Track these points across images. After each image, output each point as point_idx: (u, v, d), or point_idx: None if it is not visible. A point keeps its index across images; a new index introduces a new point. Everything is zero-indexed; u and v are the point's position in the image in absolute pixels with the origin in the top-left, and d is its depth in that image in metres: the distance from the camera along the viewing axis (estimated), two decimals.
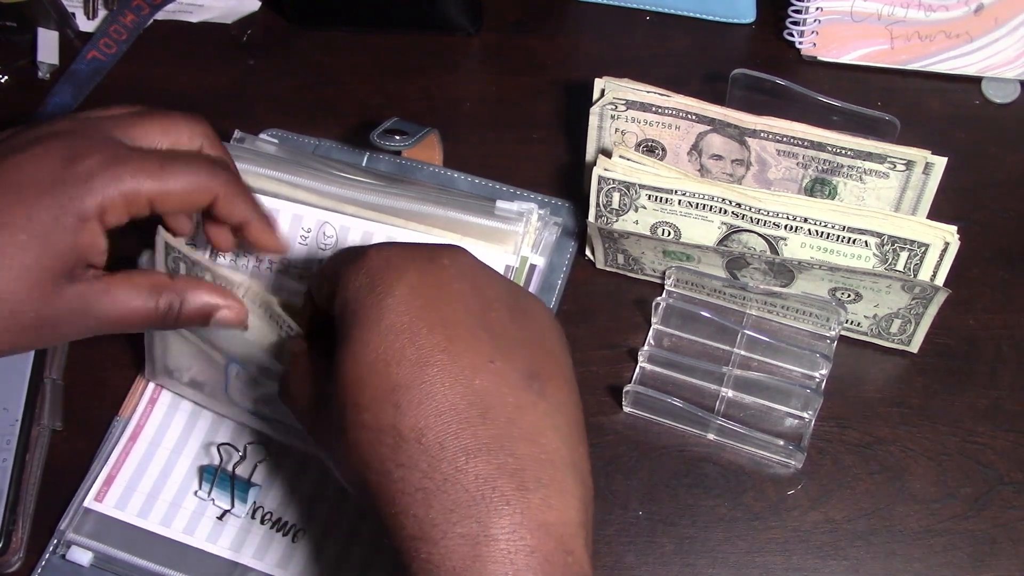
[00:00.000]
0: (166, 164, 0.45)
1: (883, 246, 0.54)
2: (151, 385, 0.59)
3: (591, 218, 0.58)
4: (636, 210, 0.57)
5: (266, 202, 0.58)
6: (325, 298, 0.44)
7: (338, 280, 0.42)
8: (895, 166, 0.55)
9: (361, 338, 0.39)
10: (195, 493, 0.56)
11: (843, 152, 0.56)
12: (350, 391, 0.39)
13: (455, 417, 0.38)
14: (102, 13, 0.75)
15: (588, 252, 0.62)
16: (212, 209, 0.47)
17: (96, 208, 0.43)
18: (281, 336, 0.48)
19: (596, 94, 0.59)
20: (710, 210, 0.56)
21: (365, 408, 0.38)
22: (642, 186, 0.56)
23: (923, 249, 0.53)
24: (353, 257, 0.42)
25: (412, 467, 0.37)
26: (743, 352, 0.58)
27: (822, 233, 0.54)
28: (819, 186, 0.58)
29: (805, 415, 0.56)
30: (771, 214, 0.54)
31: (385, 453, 0.38)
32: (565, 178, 0.65)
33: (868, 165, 0.56)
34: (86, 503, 0.56)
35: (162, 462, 0.57)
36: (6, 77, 0.74)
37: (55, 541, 0.55)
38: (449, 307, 0.40)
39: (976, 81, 0.67)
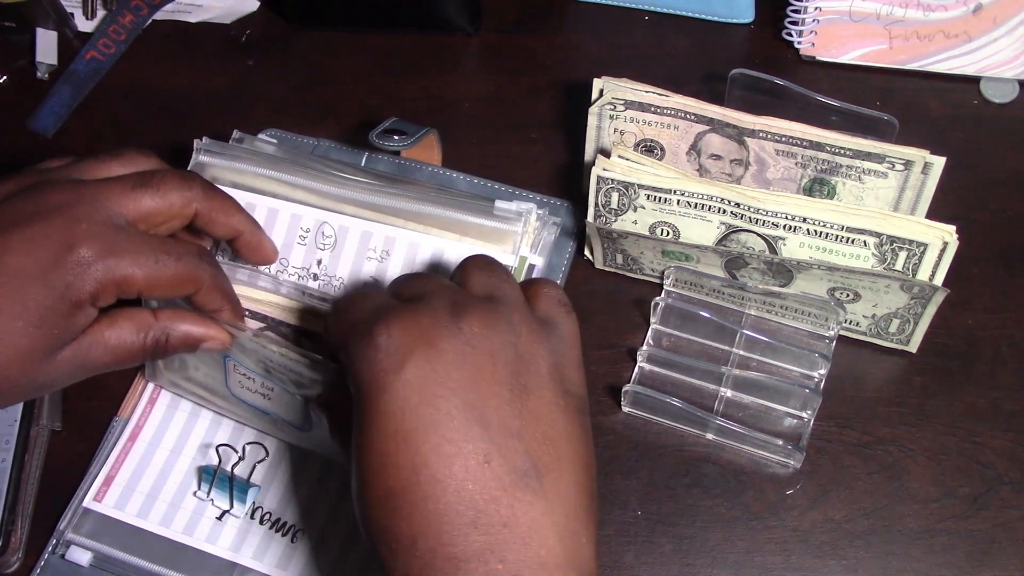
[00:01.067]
0: (160, 258, 0.47)
1: (882, 246, 0.54)
2: (150, 385, 0.59)
3: (590, 218, 0.58)
4: (635, 210, 0.57)
5: (265, 202, 0.58)
6: (336, 350, 0.45)
7: (348, 359, 0.43)
8: (894, 166, 0.56)
9: (363, 441, 0.41)
10: (194, 494, 0.56)
11: (842, 152, 0.56)
12: (359, 487, 0.41)
13: (447, 525, 0.38)
14: (101, 13, 0.76)
15: (587, 252, 0.62)
16: (192, 298, 0.50)
17: (89, 295, 0.45)
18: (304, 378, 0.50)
19: (595, 94, 0.59)
20: (709, 210, 0.56)
21: (371, 506, 0.40)
22: (641, 186, 0.56)
23: (922, 249, 0.53)
24: (361, 333, 0.42)
25: (406, 572, 0.39)
26: (742, 352, 0.58)
27: (821, 233, 0.54)
28: (818, 186, 0.58)
29: (804, 415, 0.56)
30: (770, 214, 0.54)
31: (384, 552, 0.40)
32: (564, 178, 0.65)
33: (867, 165, 0.56)
34: (85, 503, 0.56)
35: (161, 462, 0.57)
36: (5, 77, 0.74)
37: (54, 541, 0.55)
38: (446, 403, 0.40)
39: (975, 81, 0.67)
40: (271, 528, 0.55)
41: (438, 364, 0.40)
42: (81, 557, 0.54)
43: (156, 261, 0.47)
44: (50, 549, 0.55)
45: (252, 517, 0.55)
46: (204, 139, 0.60)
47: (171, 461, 0.57)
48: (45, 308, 0.44)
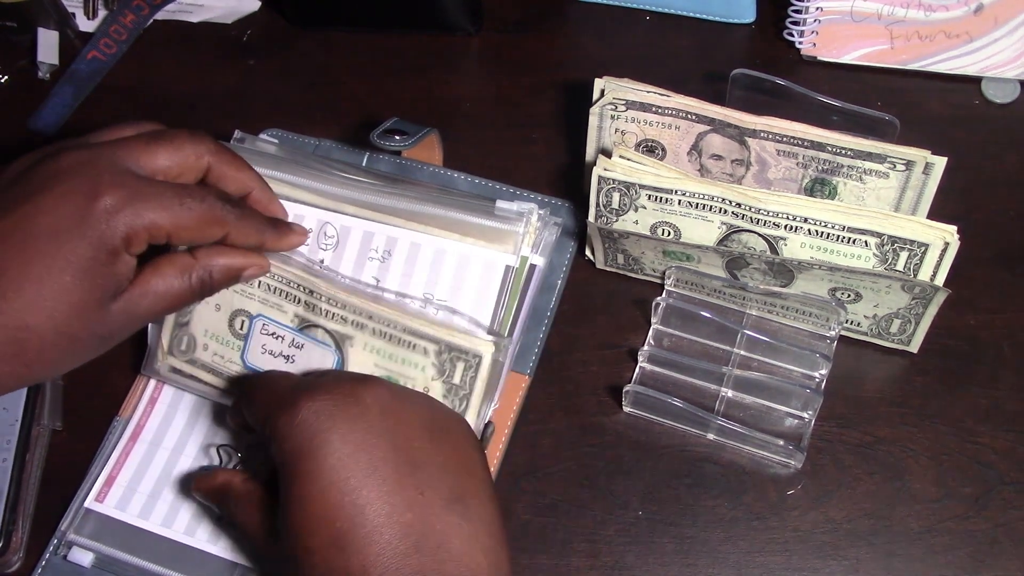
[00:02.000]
0: (183, 198, 0.48)
1: (883, 246, 0.54)
2: (151, 385, 0.59)
3: (591, 218, 0.58)
4: (636, 210, 0.57)
5: None
6: (256, 427, 0.49)
7: (274, 432, 0.46)
8: (895, 166, 0.55)
9: (303, 494, 0.45)
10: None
11: (843, 152, 0.56)
12: (300, 538, 0.44)
13: (393, 552, 0.43)
14: (102, 13, 0.75)
15: (588, 252, 0.62)
16: (225, 240, 0.51)
17: (123, 241, 0.47)
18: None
19: (596, 94, 0.59)
20: (710, 210, 0.56)
21: (314, 552, 0.44)
22: (642, 186, 0.56)
23: (923, 249, 0.53)
24: (285, 407, 0.46)
25: None
26: (743, 352, 0.58)
27: (822, 233, 0.54)
28: (819, 186, 0.58)
29: (805, 415, 0.56)
30: (771, 214, 0.54)
31: None
32: (565, 178, 0.65)
33: (868, 165, 0.56)
34: (87, 503, 0.56)
35: (163, 462, 0.57)
36: (6, 77, 0.74)
37: (55, 541, 0.55)
38: (377, 451, 0.45)
39: (976, 81, 0.67)
40: None
41: (366, 417, 0.46)
42: (83, 558, 0.54)
43: (180, 204, 0.48)
44: (51, 549, 0.55)
45: None
46: None
47: (172, 461, 0.57)
48: (86, 259, 0.45)
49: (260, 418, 0.48)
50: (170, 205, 0.47)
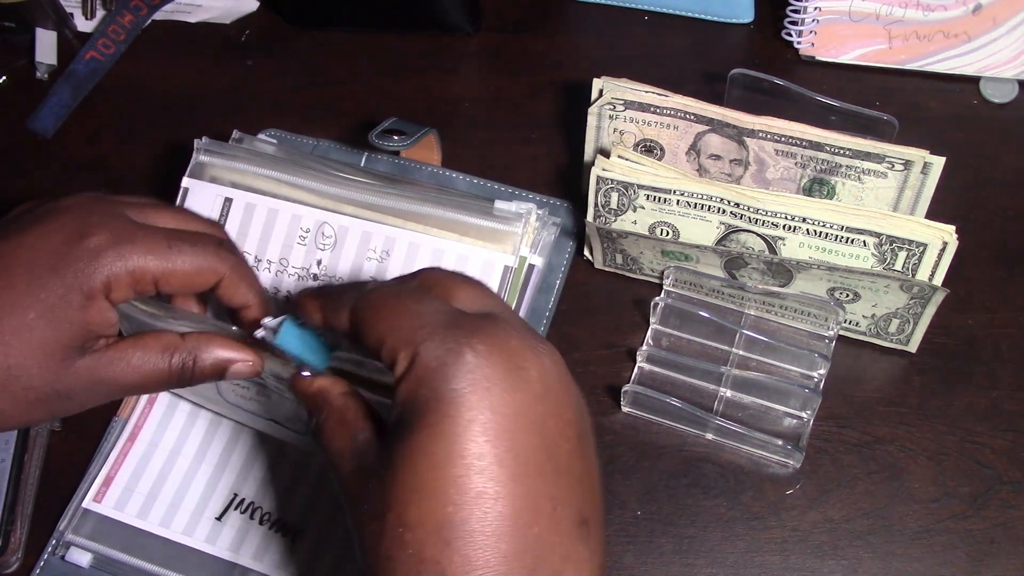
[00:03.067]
0: (173, 244, 0.45)
1: (881, 246, 0.54)
2: None
3: (589, 218, 0.58)
4: (634, 210, 0.57)
5: (265, 202, 0.58)
6: (374, 347, 0.40)
7: (410, 364, 0.38)
8: (893, 166, 0.56)
9: (426, 448, 0.36)
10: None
11: (841, 152, 0.56)
12: (399, 501, 0.36)
13: (504, 568, 0.35)
14: (100, 13, 0.75)
15: (587, 252, 0.62)
16: (215, 290, 0.48)
17: (102, 286, 0.44)
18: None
19: (594, 94, 0.59)
20: (708, 210, 0.56)
21: (410, 528, 0.36)
22: (640, 186, 0.56)
23: (921, 249, 0.53)
24: (441, 340, 0.38)
25: None
26: (741, 352, 0.58)
27: (820, 233, 0.54)
28: (817, 186, 0.58)
29: (804, 415, 0.56)
30: (769, 214, 0.54)
31: None
32: (563, 178, 0.65)
33: (866, 165, 0.56)
34: (85, 504, 0.56)
35: (161, 463, 0.57)
36: (4, 77, 0.74)
37: (54, 542, 0.55)
38: (524, 437, 0.37)
39: (974, 81, 0.67)
40: (271, 528, 0.55)
41: (524, 392, 0.38)
42: (81, 558, 0.54)
43: (169, 247, 0.45)
44: (50, 549, 0.55)
45: (252, 517, 0.55)
46: (204, 139, 0.60)
47: (171, 461, 0.57)
48: (56, 297, 0.43)
49: (389, 341, 0.39)
50: (157, 249, 0.45)
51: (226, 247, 0.48)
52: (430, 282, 0.43)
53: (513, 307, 0.57)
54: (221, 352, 0.47)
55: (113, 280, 0.44)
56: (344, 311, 0.42)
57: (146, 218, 0.47)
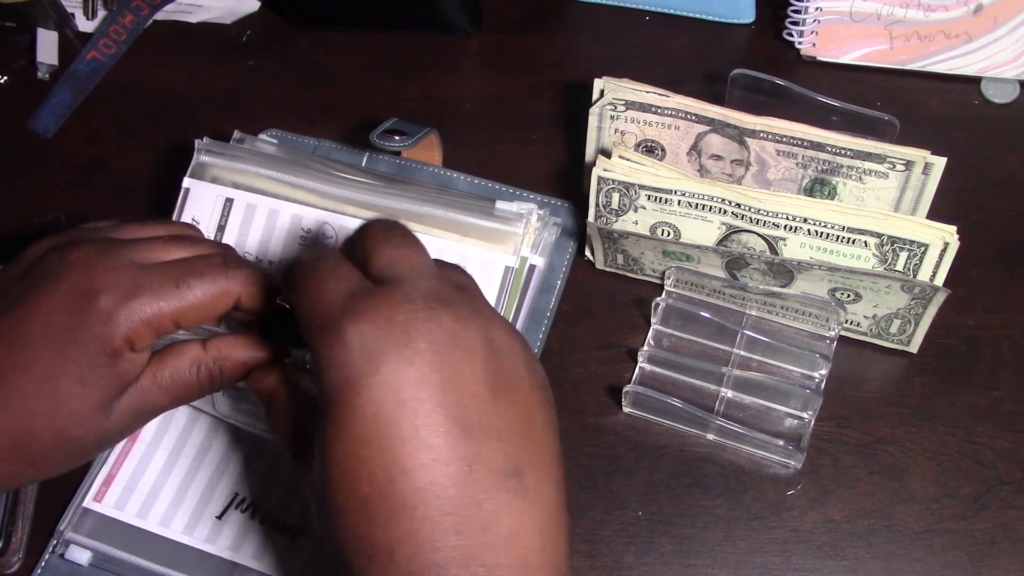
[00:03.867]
0: (181, 281, 0.45)
1: (882, 246, 0.54)
2: None
3: (591, 218, 0.58)
4: (635, 210, 0.57)
5: (266, 202, 0.58)
6: (301, 331, 0.41)
7: (315, 351, 0.39)
8: (894, 166, 0.56)
9: (334, 436, 0.38)
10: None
11: (842, 152, 0.56)
12: (326, 488, 0.38)
13: (428, 532, 0.37)
14: (101, 13, 0.76)
15: (588, 252, 0.62)
16: (235, 309, 0.47)
17: (123, 341, 0.44)
18: None
19: (595, 94, 0.59)
20: (709, 210, 0.56)
21: (342, 511, 0.38)
22: (641, 186, 0.56)
23: (922, 249, 0.53)
24: (331, 325, 0.39)
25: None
26: (743, 352, 0.58)
27: (821, 233, 0.54)
28: (818, 186, 0.58)
29: (805, 415, 0.56)
30: (771, 214, 0.54)
31: (356, 559, 0.38)
32: (564, 178, 0.65)
33: (867, 165, 0.56)
34: (85, 503, 0.56)
35: (161, 463, 0.57)
36: (5, 77, 0.74)
37: (54, 542, 0.55)
38: (424, 407, 0.37)
39: (975, 81, 0.67)
40: (271, 528, 0.55)
41: (415, 364, 0.38)
42: (80, 556, 0.54)
43: (178, 287, 0.45)
44: (50, 550, 0.55)
45: (252, 517, 0.55)
46: (205, 139, 0.60)
47: (171, 462, 0.57)
48: (83, 364, 0.43)
49: (303, 324, 0.41)
50: (168, 292, 0.45)
51: (233, 263, 0.48)
52: (362, 244, 0.43)
53: (514, 307, 0.57)
54: (244, 353, 0.47)
55: (133, 334, 0.44)
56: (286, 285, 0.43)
57: (149, 256, 0.47)
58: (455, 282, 0.42)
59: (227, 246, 0.51)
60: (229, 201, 0.58)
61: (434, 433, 0.37)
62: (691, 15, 0.72)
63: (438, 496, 0.37)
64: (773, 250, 0.56)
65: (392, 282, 0.40)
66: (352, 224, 0.57)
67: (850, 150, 0.56)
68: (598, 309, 0.61)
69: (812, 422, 0.55)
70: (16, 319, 0.44)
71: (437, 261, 0.43)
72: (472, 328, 0.40)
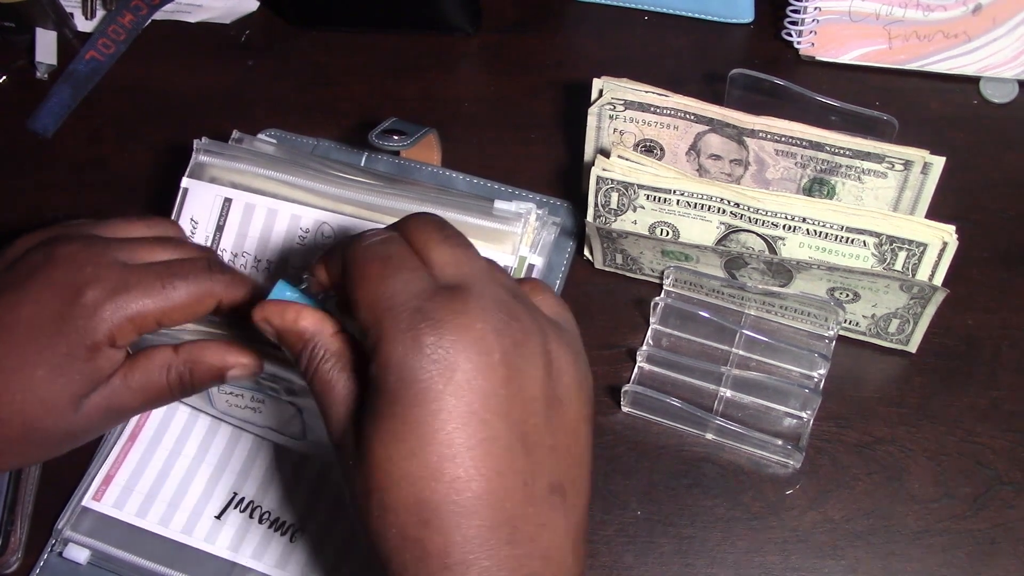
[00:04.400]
0: (166, 281, 0.46)
1: (881, 246, 0.54)
2: None
3: (589, 218, 0.58)
4: (634, 210, 0.57)
5: (264, 202, 0.58)
6: (355, 316, 0.40)
7: (379, 347, 0.39)
8: (893, 166, 0.56)
9: (398, 436, 0.38)
10: None
11: (841, 152, 0.56)
12: (379, 487, 0.38)
13: (483, 542, 0.37)
14: (100, 13, 0.76)
15: (586, 252, 0.62)
16: (218, 310, 0.48)
17: (105, 337, 0.45)
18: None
19: (594, 94, 0.59)
20: (708, 210, 0.56)
21: (391, 511, 0.38)
22: (640, 186, 0.56)
23: (921, 249, 0.53)
24: (405, 325, 0.38)
25: None
26: (741, 352, 0.58)
27: (820, 233, 0.54)
28: (817, 186, 0.58)
29: (804, 415, 0.56)
30: (769, 214, 0.54)
31: (404, 559, 0.38)
32: (563, 178, 0.65)
33: (866, 165, 0.56)
34: (84, 502, 0.56)
35: (160, 463, 0.57)
36: (4, 77, 0.74)
37: (53, 541, 0.55)
38: (492, 419, 0.38)
39: (974, 81, 0.67)
40: (270, 528, 0.55)
41: (488, 376, 0.38)
42: (79, 555, 0.54)
43: (164, 287, 0.46)
44: (49, 548, 0.55)
45: (252, 516, 0.55)
46: (204, 139, 0.60)
47: (170, 462, 0.57)
48: (62, 355, 0.44)
49: (364, 312, 0.40)
50: (153, 291, 0.46)
51: (216, 266, 0.48)
52: (413, 237, 0.42)
53: None
54: (217, 358, 0.48)
55: (116, 330, 0.45)
56: (340, 263, 0.42)
57: (135, 256, 0.48)
58: (512, 288, 0.42)
59: (210, 250, 0.52)
60: (228, 201, 0.58)
61: (499, 446, 0.38)
62: (690, 15, 0.72)
63: (495, 508, 0.38)
64: (772, 250, 0.56)
65: (462, 288, 0.40)
66: (351, 224, 0.57)
67: (849, 150, 0.56)
68: (597, 309, 0.61)
69: (811, 422, 0.55)
70: (1, 309, 0.45)
71: (488, 261, 0.43)
72: (534, 340, 0.40)
